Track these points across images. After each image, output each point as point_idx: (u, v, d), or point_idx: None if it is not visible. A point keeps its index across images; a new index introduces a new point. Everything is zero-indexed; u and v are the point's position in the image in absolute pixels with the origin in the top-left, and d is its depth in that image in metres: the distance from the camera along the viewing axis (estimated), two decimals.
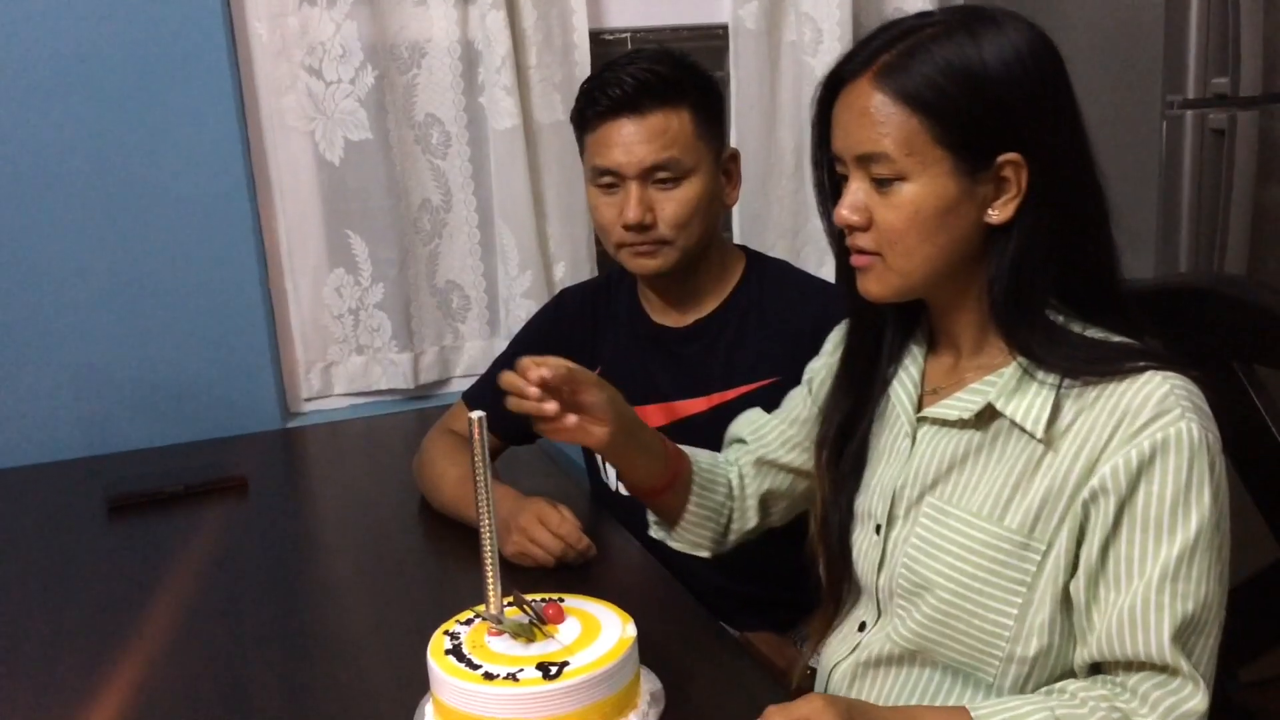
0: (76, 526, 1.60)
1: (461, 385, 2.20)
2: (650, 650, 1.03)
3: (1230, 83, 1.77)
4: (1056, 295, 0.99)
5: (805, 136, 2.31)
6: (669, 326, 1.53)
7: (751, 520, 1.30)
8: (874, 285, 1.02)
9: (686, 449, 1.31)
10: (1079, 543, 0.96)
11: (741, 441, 1.32)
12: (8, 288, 1.87)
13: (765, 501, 1.30)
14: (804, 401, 1.27)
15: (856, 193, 0.99)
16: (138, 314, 1.94)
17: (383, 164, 2.04)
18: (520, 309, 2.15)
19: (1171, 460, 0.91)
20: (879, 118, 0.96)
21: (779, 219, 2.32)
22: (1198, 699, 0.90)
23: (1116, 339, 0.98)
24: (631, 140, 1.40)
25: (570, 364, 1.13)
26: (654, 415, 1.51)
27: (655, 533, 1.33)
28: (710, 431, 1.46)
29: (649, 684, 1.02)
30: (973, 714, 0.93)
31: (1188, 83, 1.80)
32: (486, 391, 1.61)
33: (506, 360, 1.63)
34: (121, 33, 1.85)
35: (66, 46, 1.83)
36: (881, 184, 0.98)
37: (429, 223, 2.14)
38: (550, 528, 1.32)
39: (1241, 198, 1.78)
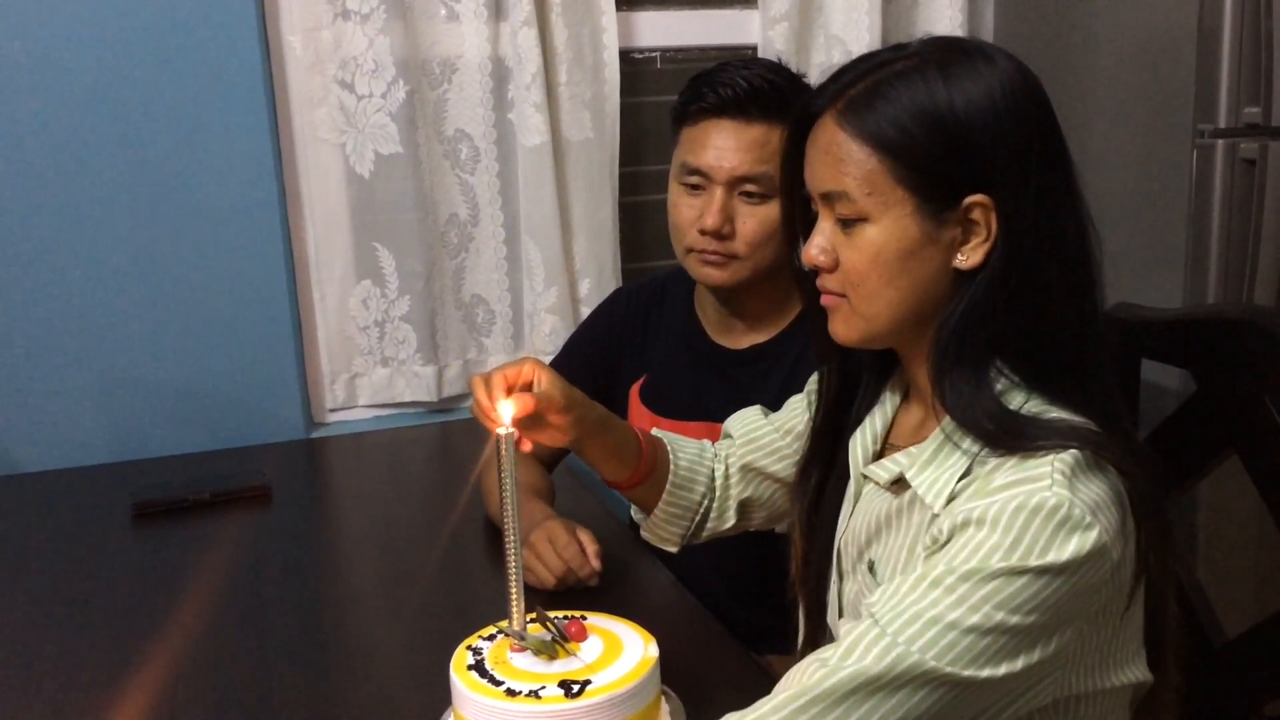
0: (101, 532, 1.61)
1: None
2: (671, 671, 1.03)
3: (1262, 112, 1.76)
4: (1005, 357, 0.92)
5: None
6: (724, 347, 1.51)
7: (729, 521, 1.29)
8: (840, 327, 0.99)
9: (671, 440, 1.28)
10: None
11: (731, 437, 1.30)
12: (39, 294, 1.89)
13: (746, 506, 1.28)
14: (803, 414, 1.25)
15: (824, 232, 0.97)
16: (166, 322, 1.96)
17: (412, 178, 2.06)
18: (545, 324, 2.16)
19: (1006, 518, 0.83)
20: (841, 155, 0.93)
21: None
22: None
23: (1053, 414, 0.91)
24: (729, 145, 1.37)
25: (539, 394, 1.11)
26: (698, 433, 1.50)
27: (635, 515, 1.32)
28: None
29: (670, 704, 1.02)
30: None
31: (1219, 112, 1.79)
32: None
33: (563, 361, 1.64)
34: (156, 44, 1.88)
35: (101, 57, 1.85)
36: (846, 224, 0.95)
37: (456, 237, 2.15)
38: (556, 549, 1.29)
39: (1272, 228, 1.76)
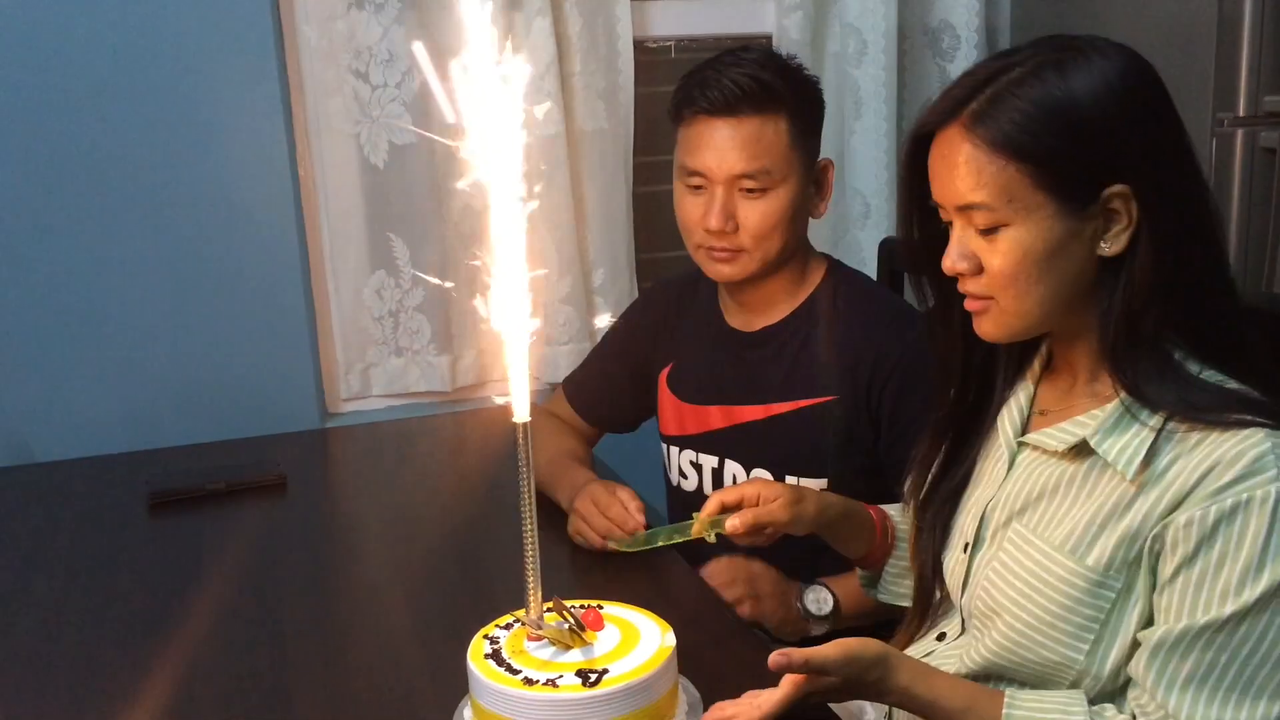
0: (118, 522, 1.61)
1: (498, 389, 2.20)
2: (687, 659, 1.03)
3: None
4: (1176, 331, 0.95)
5: (846, 147, 2.31)
6: (738, 330, 1.53)
7: None
8: (990, 327, 1.01)
9: (886, 509, 1.30)
10: (1155, 576, 0.94)
11: None
12: (56, 285, 1.90)
13: None
14: None
15: (962, 240, 0.99)
16: (182, 312, 1.96)
17: (426, 168, 2.06)
18: (559, 315, 2.16)
19: (1253, 523, 0.87)
20: (974, 168, 0.95)
21: (819, 230, 2.31)
22: None
23: (1233, 385, 0.94)
24: (723, 145, 1.38)
25: (761, 512, 1.15)
26: (714, 416, 1.52)
27: (860, 579, 1.32)
28: (767, 440, 1.46)
29: (686, 693, 1.02)
30: (1007, 705, 0.95)
31: (1239, 100, 1.78)
32: (577, 381, 1.69)
33: (602, 352, 1.69)
34: (169, 35, 1.88)
35: (116, 50, 1.85)
36: (986, 231, 0.96)
37: (470, 226, 2.15)
38: (600, 508, 1.33)
39: None
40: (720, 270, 1.45)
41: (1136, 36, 1.98)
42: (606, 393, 1.67)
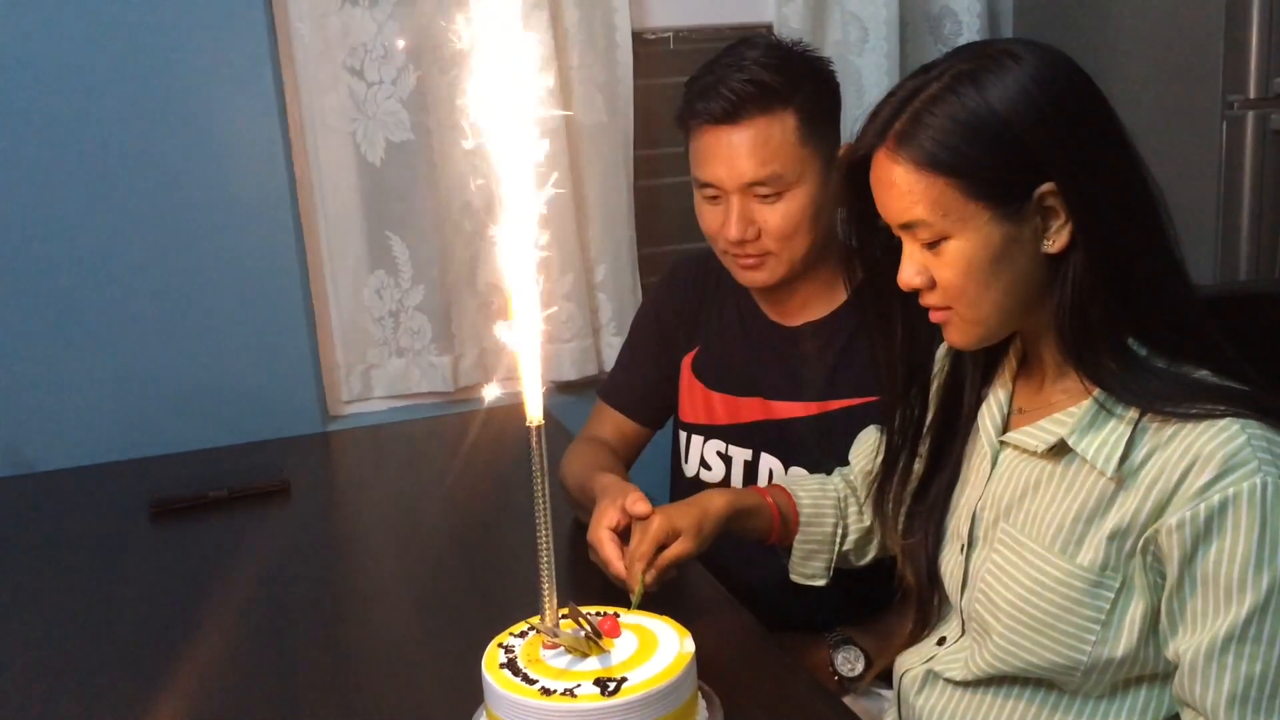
0: (120, 530, 1.59)
1: (503, 388, 2.18)
2: (706, 664, 1.01)
3: None
4: (1134, 330, 0.96)
5: (848, 136, 2.28)
6: (778, 324, 1.50)
7: (872, 552, 1.32)
8: (956, 337, 1.03)
9: (793, 485, 1.30)
10: (1158, 576, 0.94)
11: (850, 465, 1.34)
12: (51, 290, 1.87)
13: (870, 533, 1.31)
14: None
15: (912, 256, 1.01)
16: (179, 316, 1.94)
17: (424, 165, 2.03)
18: (561, 312, 2.13)
19: (1244, 517, 0.88)
20: (905, 188, 0.97)
21: None
22: None
23: (1199, 374, 0.95)
24: (731, 154, 1.36)
25: (671, 555, 1.16)
26: (752, 409, 1.49)
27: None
28: (809, 438, 1.44)
29: (706, 700, 1.00)
30: None
31: (1249, 82, 1.75)
32: (620, 385, 1.63)
33: (634, 345, 1.64)
34: (163, 34, 1.85)
35: (107, 50, 1.83)
36: (930, 245, 0.98)
37: (470, 224, 2.12)
38: (601, 559, 1.22)
39: None
40: (750, 277, 1.43)
41: (1143, 18, 1.97)
42: (651, 384, 1.60)
